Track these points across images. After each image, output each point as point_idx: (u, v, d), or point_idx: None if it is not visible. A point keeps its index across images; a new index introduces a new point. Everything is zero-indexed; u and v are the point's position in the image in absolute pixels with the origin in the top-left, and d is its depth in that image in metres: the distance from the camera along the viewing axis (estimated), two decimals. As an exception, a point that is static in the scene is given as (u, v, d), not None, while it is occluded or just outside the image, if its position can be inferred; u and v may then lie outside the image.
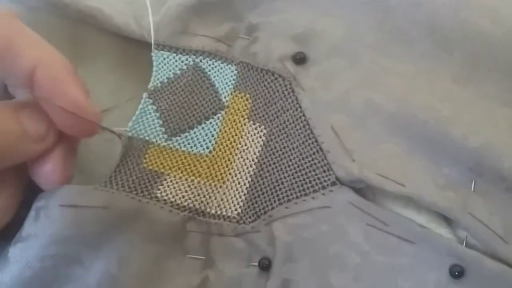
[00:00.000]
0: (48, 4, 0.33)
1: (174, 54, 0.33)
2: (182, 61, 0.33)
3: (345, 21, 0.32)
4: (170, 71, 0.32)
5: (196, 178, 0.31)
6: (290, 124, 0.31)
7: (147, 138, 0.31)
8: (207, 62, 0.33)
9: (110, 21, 0.32)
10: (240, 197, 0.31)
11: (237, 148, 0.32)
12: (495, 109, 0.30)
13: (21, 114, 0.27)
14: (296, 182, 0.30)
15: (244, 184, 0.31)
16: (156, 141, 0.31)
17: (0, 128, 0.26)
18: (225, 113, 0.32)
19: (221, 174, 0.31)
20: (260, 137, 0.32)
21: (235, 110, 0.32)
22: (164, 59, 0.32)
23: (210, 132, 0.32)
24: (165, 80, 0.32)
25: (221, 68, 0.33)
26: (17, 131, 0.27)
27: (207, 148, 0.32)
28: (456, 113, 0.29)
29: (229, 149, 0.32)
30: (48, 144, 0.28)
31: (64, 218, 0.28)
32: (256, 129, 0.32)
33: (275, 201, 0.30)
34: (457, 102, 0.30)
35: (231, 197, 0.31)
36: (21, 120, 0.27)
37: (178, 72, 0.33)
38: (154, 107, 0.31)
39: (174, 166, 0.31)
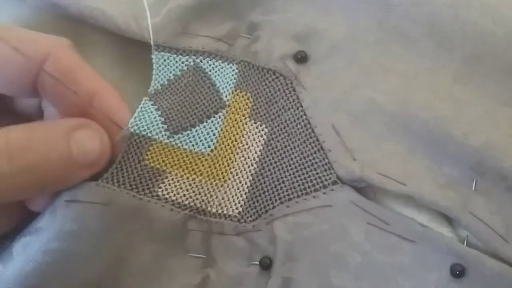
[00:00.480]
0: (49, 3, 0.33)
1: (174, 55, 0.33)
2: (183, 62, 0.33)
3: (346, 20, 0.32)
4: (170, 72, 0.32)
5: (197, 176, 0.31)
6: (291, 123, 0.31)
7: (149, 134, 0.31)
8: (208, 62, 0.33)
9: (110, 21, 0.32)
10: (241, 196, 0.31)
11: (239, 147, 0.32)
12: (496, 108, 0.30)
13: (72, 137, 0.26)
14: (297, 181, 0.30)
15: (245, 183, 0.31)
16: (158, 138, 0.31)
17: (46, 153, 0.25)
18: (226, 112, 0.32)
19: (222, 173, 0.31)
20: (261, 136, 0.32)
21: (236, 109, 0.32)
22: (165, 60, 0.32)
23: (212, 131, 0.32)
24: (166, 82, 0.32)
25: (222, 68, 0.33)
26: (64, 157, 0.26)
27: (209, 146, 0.32)
28: (457, 113, 0.29)
29: (230, 148, 0.32)
30: (99, 169, 0.28)
31: (67, 213, 0.28)
32: (257, 128, 0.32)
33: (276, 200, 0.30)
34: (458, 102, 0.30)
35: (232, 196, 0.31)
36: (71, 145, 0.26)
37: (179, 73, 0.33)
38: (156, 106, 0.31)
39: (175, 164, 0.31)
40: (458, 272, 0.27)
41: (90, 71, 0.29)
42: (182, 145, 0.32)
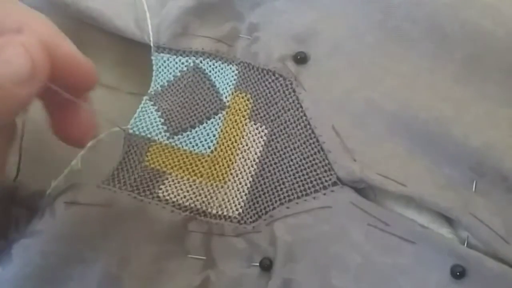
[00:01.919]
0: (49, 3, 0.33)
1: (174, 56, 0.33)
2: (182, 63, 0.33)
3: (346, 21, 0.32)
4: (170, 73, 0.33)
5: (197, 178, 0.31)
6: (291, 124, 0.31)
7: (149, 136, 0.31)
8: (208, 63, 0.33)
9: (110, 23, 0.32)
10: (241, 197, 0.31)
11: (238, 148, 0.32)
12: (496, 109, 0.30)
13: None
14: (297, 182, 0.30)
15: (245, 184, 0.31)
16: (158, 139, 0.31)
17: None
18: (226, 113, 0.32)
19: (222, 174, 0.31)
20: (261, 137, 0.32)
21: (236, 110, 0.32)
22: (164, 61, 0.32)
23: (212, 132, 0.32)
24: (166, 84, 0.32)
25: (222, 69, 0.33)
26: None
27: (209, 148, 0.32)
28: (457, 113, 0.29)
29: (230, 149, 0.32)
30: (35, 86, 0.24)
31: (67, 215, 0.28)
32: (257, 129, 0.32)
33: (276, 201, 0.30)
34: (458, 102, 0.30)
35: (232, 197, 0.31)
36: None
37: (178, 74, 0.33)
38: (156, 107, 0.31)
39: (176, 165, 0.31)
40: (458, 273, 0.27)
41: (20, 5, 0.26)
42: (182, 146, 0.32)
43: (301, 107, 0.31)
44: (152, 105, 0.31)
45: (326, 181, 0.30)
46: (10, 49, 0.23)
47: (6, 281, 0.27)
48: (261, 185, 0.31)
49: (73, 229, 0.28)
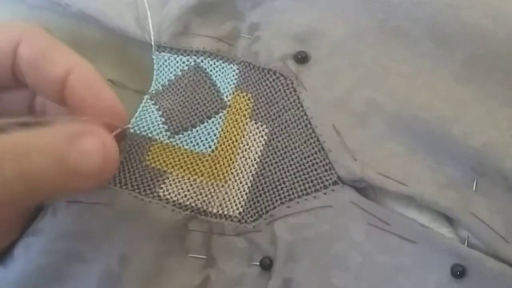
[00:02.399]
0: (50, 3, 0.33)
1: (175, 55, 0.33)
2: (183, 62, 0.33)
3: (347, 20, 0.32)
4: (171, 72, 0.32)
5: (198, 177, 0.31)
6: (291, 123, 0.31)
7: (150, 135, 0.31)
8: (209, 62, 0.33)
9: (111, 22, 0.32)
10: (241, 197, 0.31)
11: (239, 148, 0.32)
12: (497, 108, 0.30)
13: (73, 145, 0.24)
14: (297, 182, 0.30)
15: (246, 184, 0.31)
16: (159, 138, 0.31)
17: (42, 161, 0.23)
18: (227, 113, 0.32)
19: (223, 173, 0.31)
20: (262, 136, 0.32)
21: (237, 110, 0.32)
22: (165, 60, 0.32)
23: (212, 131, 0.32)
24: (166, 82, 0.32)
25: (223, 68, 0.33)
26: (62, 167, 0.23)
27: (209, 147, 0.32)
28: (458, 113, 0.29)
29: (231, 148, 0.32)
30: (107, 176, 0.26)
31: (68, 214, 0.28)
32: (258, 128, 0.32)
33: (276, 201, 0.30)
34: (458, 102, 0.30)
35: (233, 197, 0.31)
36: (71, 153, 0.24)
37: (179, 73, 0.33)
38: (156, 106, 0.31)
39: (176, 165, 0.31)
40: (458, 272, 0.27)
41: (65, 48, 0.28)
42: (183, 146, 0.32)
43: (302, 106, 0.31)
44: (153, 104, 0.31)
45: (326, 180, 0.30)
46: (89, 141, 0.24)
47: (8, 280, 0.27)
48: (261, 184, 0.31)
49: (73, 227, 0.28)
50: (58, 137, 0.24)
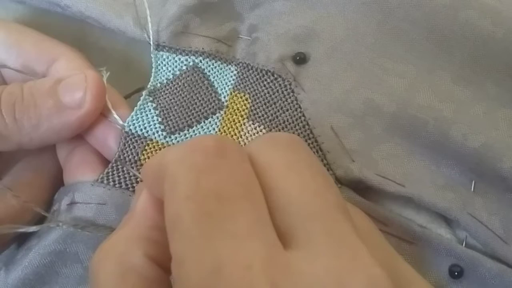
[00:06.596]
0: (49, 3, 0.33)
1: (174, 55, 0.33)
2: (182, 62, 0.33)
3: (345, 21, 0.32)
4: (169, 72, 0.32)
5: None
6: (289, 124, 0.31)
7: (145, 134, 0.31)
8: (207, 63, 0.33)
9: (110, 22, 0.32)
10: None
11: (236, 148, 0.31)
12: (495, 109, 0.30)
13: (58, 86, 0.29)
14: (296, 182, 0.30)
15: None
16: (155, 138, 0.31)
17: (40, 102, 0.29)
18: (225, 113, 0.32)
19: (220, 173, 0.31)
20: (259, 136, 0.32)
21: (234, 110, 0.32)
22: (164, 60, 0.32)
23: (210, 131, 0.32)
24: (164, 81, 0.32)
25: (221, 69, 0.33)
26: (54, 102, 0.29)
27: (206, 147, 0.32)
28: (456, 114, 0.29)
29: (228, 148, 0.32)
30: (88, 109, 0.29)
31: (65, 215, 0.28)
32: (255, 129, 0.32)
33: (275, 201, 0.30)
34: (457, 103, 0.30)
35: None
36: (57, 92, 0.29)
37: (178, 72, 0.33)
38: (154, 105, 0.31)
39: (172, 165, 0.31)
40: (456, 273, 0.27)
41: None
42: (180, 146, 0.31)
43: (300, 107, 0.31)
44: (150, 101, 0.31)
45: (325, 181, 0.30)
46: (72, 76, 0.29)
47: (7, 285, 0.27)
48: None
49: (69, 228, 0.28)
50: (45, 83, 0.29)
